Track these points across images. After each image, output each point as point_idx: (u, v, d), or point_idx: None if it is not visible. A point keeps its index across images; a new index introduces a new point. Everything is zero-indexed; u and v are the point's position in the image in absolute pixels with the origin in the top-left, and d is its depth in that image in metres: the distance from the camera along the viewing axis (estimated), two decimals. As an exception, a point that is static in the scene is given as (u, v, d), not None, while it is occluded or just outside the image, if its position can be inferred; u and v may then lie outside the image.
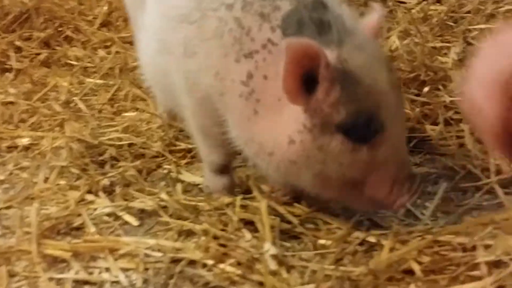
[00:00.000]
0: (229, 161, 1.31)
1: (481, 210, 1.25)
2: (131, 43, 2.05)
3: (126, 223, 1.27)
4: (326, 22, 1.06)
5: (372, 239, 1.13)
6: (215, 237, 1.12)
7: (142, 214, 1.29)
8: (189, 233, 1.18)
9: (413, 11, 2.22)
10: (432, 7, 2.26)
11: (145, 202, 1.29)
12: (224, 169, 1.31)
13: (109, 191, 1.38)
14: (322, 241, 1.14)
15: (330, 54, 1.01)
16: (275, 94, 1.06)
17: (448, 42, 2.11)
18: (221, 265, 1.02)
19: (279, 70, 1.03)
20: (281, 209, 1.21)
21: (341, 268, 1.02)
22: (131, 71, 2.02)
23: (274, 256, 1.01)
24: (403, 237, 1.11)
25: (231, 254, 1.04)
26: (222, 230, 1.14)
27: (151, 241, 1.14)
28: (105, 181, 1.40)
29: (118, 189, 1.38)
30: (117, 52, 2.17)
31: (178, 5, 1.21)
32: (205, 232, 1.12)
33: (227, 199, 1.24)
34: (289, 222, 1.18)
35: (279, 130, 1.06)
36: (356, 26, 1.10)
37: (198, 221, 1.18)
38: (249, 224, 1.18)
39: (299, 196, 1.25)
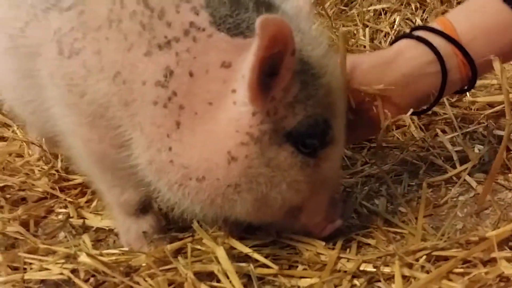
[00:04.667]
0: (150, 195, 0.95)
1: (462, 208, 1.07)
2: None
3: (25, 304, 0.89)
4: (264, 1, 0.83)
5: (369, 268, 0.88)
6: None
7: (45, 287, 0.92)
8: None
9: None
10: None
11: (49, 269, 0.91)
12: (146, 207, 0.97)
13: (-12, 260, 0.98)
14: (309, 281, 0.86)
15: None
16: (205, 97, 0.80)
17: (347, 26, 1.99)
18: None
19: (209, 63, 0.79)
20: (240, 247, 0.91)
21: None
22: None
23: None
24: (407, 260, 0.87)
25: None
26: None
27: (74, 330, 0.78)
28: (-20, 246, 1.00)
29: (0, 255, 0.98)
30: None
31: None
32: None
33: (169, 246, 0.91)
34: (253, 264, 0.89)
35: (213, 146, 0.79)
36: (293, 10, 0.88)
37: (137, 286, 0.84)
38: (205, 277, 0.87)
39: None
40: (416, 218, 1.02)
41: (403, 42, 1.04)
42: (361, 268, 0.88)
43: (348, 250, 0.94)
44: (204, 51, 0.80)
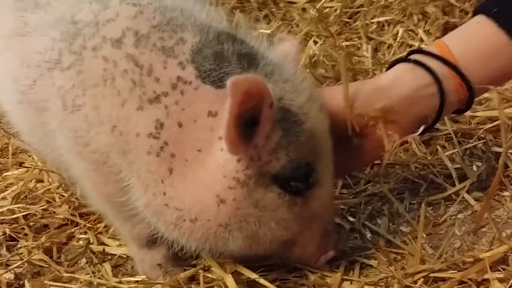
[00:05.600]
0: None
1: (461, 226, 1.13)
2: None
3: (51, 331, 0.96)
4: (247, 54, 0.88)
5: (371, 291, 0.94)
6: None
7: (70, 313, 0.99)
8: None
9: (311, 12, 2.10)
10: (326, 4, 2.16)
11: (73, 297, 0.99)
12: (156, 239, 1.02)
13: (16, 288, 1.06)
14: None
15: None
16: (194, 145, 0.86)
17: (351, 39, 2.03)
18: None
19: (197, 114, 0.85)
20: (248, 273, 0.97)
21: None
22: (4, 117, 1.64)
23: None
24: (405, 282, 0.93)
25: None
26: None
27: None
28: (8, 275, 1.07)
29: (27, 283, 1.05)
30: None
31: (41, 49, 0.95)
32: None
33: (183, 274, 0.98)
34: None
35: (203, 190, 0.85)
36: (278, 58, 0.93)
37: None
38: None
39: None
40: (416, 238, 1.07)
41: (400, 66, 1.08)
42: (364, 291, 0.95)
43: (351, 272, 1.00)
44: (191, 102, 0.85)
